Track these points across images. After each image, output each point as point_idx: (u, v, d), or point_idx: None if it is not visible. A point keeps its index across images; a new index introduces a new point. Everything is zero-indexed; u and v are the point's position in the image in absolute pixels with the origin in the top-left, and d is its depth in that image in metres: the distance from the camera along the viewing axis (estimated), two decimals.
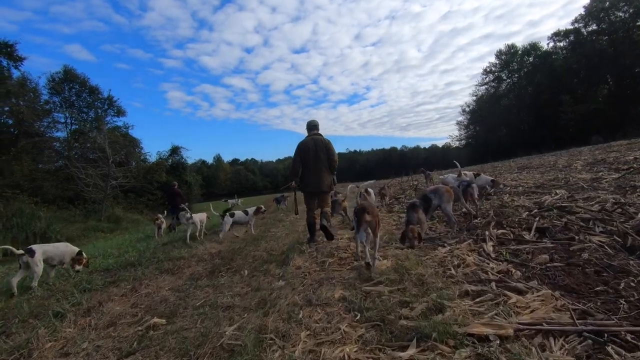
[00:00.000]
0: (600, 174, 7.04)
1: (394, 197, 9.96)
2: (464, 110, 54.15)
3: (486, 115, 47.35)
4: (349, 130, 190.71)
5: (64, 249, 4.94)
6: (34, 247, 4.53)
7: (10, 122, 20.20)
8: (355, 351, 1.89)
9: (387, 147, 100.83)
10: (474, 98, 52.14)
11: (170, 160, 27.99)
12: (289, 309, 2.59)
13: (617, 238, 3.00)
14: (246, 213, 7.12)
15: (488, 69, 48.61)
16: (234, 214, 7.00)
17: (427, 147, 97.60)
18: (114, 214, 17.73)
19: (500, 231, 3.93)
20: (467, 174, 6.65)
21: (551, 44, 41.26)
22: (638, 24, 32.31)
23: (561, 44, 40.17)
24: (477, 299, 2.28)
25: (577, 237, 3.19)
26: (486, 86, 49.93)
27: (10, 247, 4.48)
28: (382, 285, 2.81)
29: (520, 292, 2.29)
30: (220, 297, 3.18)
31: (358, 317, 2.29)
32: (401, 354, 1.78)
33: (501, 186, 6.99)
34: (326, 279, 3.24)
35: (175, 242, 7.49)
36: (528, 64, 44.59)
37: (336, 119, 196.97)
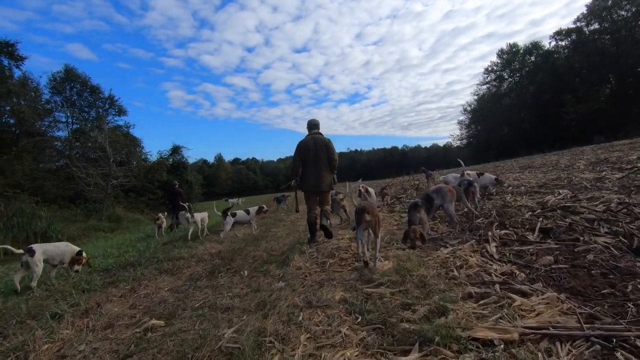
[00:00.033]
0: (604, 173, 6.97)
1: (395, 197, 9.91)
2: (465, 110, 54.00)
3: (488, 115, 47.18)
4: (350, 129, 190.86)
5: (65, 248, 4.91)
6: (34, 246, 4.51)
7: (12, 121, 20.23)
8: (356, 355, 1.85)
9: (389, 146, 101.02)
10: (476, 97, 51.99)
11: (171, 160, 28.00)
12: (289, 311, 2.55)
13: (622, 239, 2.95)
14: (248, 212, 7.08)
15: (490, 68, 48.46)
16: (235, 213, 6.96)
17: (428, 146, 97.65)
18: (115, 213, 17.72)
19: (503, 232, 3.88)
20: (470, 173, 6.59)
21: (553, 43, 41.09)
22: None
23: (563, 43, 39.98)
24: (481, 302, 2.23)
25: (581, 238, 3.14)
26: (488, 85, 49.77)
27: (9, 247, 4.45)
28: (384, 286, 2.76)
29: (524, 294, 2.25)
30: (220, 299, 3.15)
31: (359, 320, 2.25)
32: (403, 358, 1.74)
33: (505, 185, 6.93)
34: (327, 280, 3.20)
35: (175, 241, 7.46)
36: (530, 63, 44.40)
37: (337, 118, 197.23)
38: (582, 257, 2.74)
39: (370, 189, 7.40)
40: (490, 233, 3.82)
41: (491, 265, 2.94)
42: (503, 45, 50.90)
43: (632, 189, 4.83)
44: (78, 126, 25.14)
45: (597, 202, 4.32)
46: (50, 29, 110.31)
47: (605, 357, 1.54)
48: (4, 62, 19.14)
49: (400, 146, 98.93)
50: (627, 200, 4.12)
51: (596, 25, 35.96)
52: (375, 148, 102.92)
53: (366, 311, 2.34)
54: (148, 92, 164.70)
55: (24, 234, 11.78)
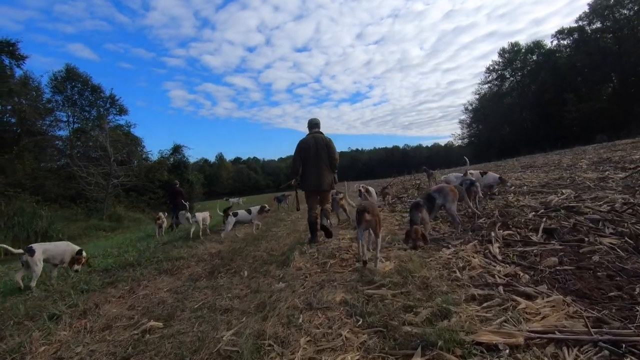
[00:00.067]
0: (607, 173, 6.91)
1: (397, 197, 9.86)
2: (466, 109, 53.81)
3: (489, 114, 47.01)
4: (351, 128, 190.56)
5: (65, 247, 4.88)
6: (34, 246, 4.48)
7: (13, 120, 20.23)
8: (357, 359, 1.81)
9: (390, 145, 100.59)
10: (477, 96, 51.78)
11: (172, 159, 27.95)
12: (289, 313, 2.51)
13: (628, 240, 2.90)
14: (249, 212, 7.05)
15: (491, 67, 48.24)
16: (237, 213, 6.93)
17: (429, 145, 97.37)
18: (116, 212, 17.71)
19: (506, 232, 3.83)
20: (473, 172, 6.54)
21: (555, 42, 40.89)
22: None
23: (565, 42, 39.79)
24: (484, 304, 2.19)
25: (586, 239, 3.09)
26: (489, 84, 49.57)
27: (7, 247, 4.42)
28: (385, 288, 2.72)
29: (529, 296, 2.20)
30: (219, 300, 3.11)
31: (360, 323, 2.21)
32: None
33: (508, 185, 6.88)
34: (327, 281, 3.16)
35: (175, 241, 7.43)
36: (532, 62, 44.20)
37: (338, 118, 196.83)
38: (588, 259, 2.69)
39: (370, 189, 7.33)
40: (493, 233, 3.77)
41: (494, 266, 2.89)
42: (504, 44, 50.72)
43: (637, 188, 4.78)
44: (79, 125, 25.14)
45: (601, 202, 4.27)
46: (52, 29, 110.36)
47: None
48: (5, 62, 19.15)
49: (401, 145, 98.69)
50: (631, 200, 4.07)
51: (598, 24, 35.77)
52: (377, 147, 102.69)
53: (367, 313, 2.29)
54: (149, 91, 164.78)
55: (25, 233, 11.77)
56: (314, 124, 5.30)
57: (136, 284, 4.12)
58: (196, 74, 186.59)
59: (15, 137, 19.27)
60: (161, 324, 2.73)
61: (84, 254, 4.99)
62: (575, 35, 37.63)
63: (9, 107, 19.38)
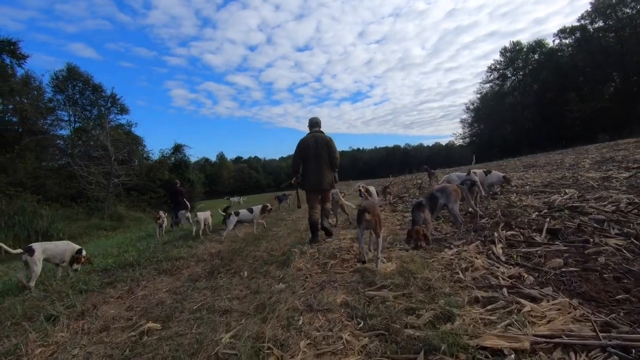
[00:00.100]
0: (610, 172, 6.85)
1: (398, 196, 9.82)
2: (468, 108, 53.67)
3: (491, 113, 46.87)
4: (352, 128, 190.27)
5: (65, 247, 4.85)
6: (34, 245, 4.45)
7: (14, 119, 20.26)
8: None
9: (391, 145, 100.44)
10: (479, 96, 51.63)
11: (173, 158, 27.96)
12: (289, 315, 2.47)
13: (635, 241, 2.85)
14: (251, 211, 7.02)
15: (493, 67, 48.10)
16: (239, 212, 6.90)
17: (430, 145, 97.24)
18: (117, 212, 17.73)
19: (509, 232, 3.78)
20: (477, 171, 6.49)
21: (557, 41, 40.73)
22: None
23: (567, 41, 39.63)
24: (488, 307, 2.14)
25: (591, 240, 3.04)
26: (491, 84, 49.41)
27: (4, 246, 4.39)
28: (387, 289, 2.67)
29: (534, 299, 2.15)
30: (218, 301, 3.07)
31: (361, 325, 2.16)
32: None
33: (512, 184, 6.83)
34: (328, 282, 3.11)
35: (175, 241, 7.40)
36: (533, 61, 44.03)
37: (339, 117, 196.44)
38: (593, 260, 2.63)
39: (371, 189, 7.28)
40: (496, 234, 3.72)
41: (498, 267, 2.84)
42: (506, 43, 50.44)
43: None
44: (80, 125, 25.18)
45: (605, 202, 4.21)
46: (53, 28, 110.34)
47: None
48: (6, 61, 19.17)
49: (402, 145, 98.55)
50: (636, 200, 4.02)
51: (600, 23, 35.63)
52: (378, 147, 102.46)
53: (368, 316, 2.25)
54: (151, 90, 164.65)
55: (26, 232, 11.78)
56: (314, 123, 5.27)
57: (135, 284, 4.08)
58: (197, 73, 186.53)
59: (16, 136, 19.29)
60: (159, 325, 2.68)
61: (84, 252, 4.97)
62: (578, 34, 37.47)
63: (11, 106, 19.40)
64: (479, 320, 1.97)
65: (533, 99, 41.31)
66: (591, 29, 36.33)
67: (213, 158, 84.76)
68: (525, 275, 2.55)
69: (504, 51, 46.59)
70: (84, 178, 17.10)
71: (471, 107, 52.93)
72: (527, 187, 6.81)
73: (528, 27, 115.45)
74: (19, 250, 4.46)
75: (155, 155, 27.49)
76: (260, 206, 7.14)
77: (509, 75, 47.32)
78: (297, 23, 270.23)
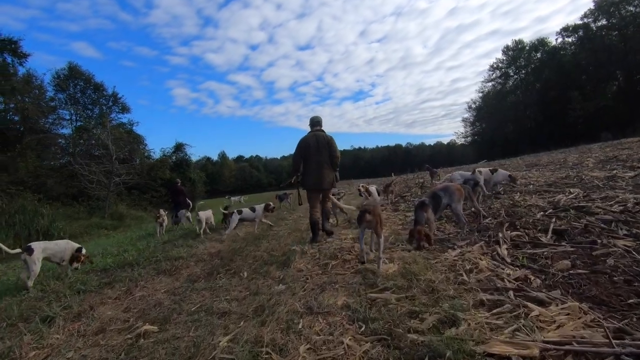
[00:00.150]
0: (615, 171, 6.75)
1: (400, 195, 9.74)
2: (470, 107, 53.47)
3: (493, 112, 46.66)
4: (354, 127, 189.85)
5: (65, 246, 4.82)
6: (33, 244, 4.41)
7: (16, 118, 20.28)
8: None
9: (392, 144, 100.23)
10: (480, 95, 51.41)
11: (174, 157, 27.95)
12: (288, 318, 2.40)
13: None
14: (253, 210, 6.96)
15: (495, 65, 47.84)
16: (241, 211, 6.85)
17: (432, 144, 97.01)
18: (118, 211, 17.72)
19: (514, 233, 3.70)
20: (482, 170, 6.42)
21: (559, 40, 40.44)
22: None
23: (570, 40, 39.33)
24: (494, 311, 2.07)
25: (599, 241, 2.96)
26: (493, 82, 49.18)
27: (3, 246, 4.34)
28: (389, 291, 2.61)
29: (542, 303, 2.07)
30: (217, 302, 3.00)
31: (363, 329, 2.10)
32: None
33: (518, 183, 6.75)
34: (329, 284, 3.05)
35: (175, 240, 7.35)
36: (536, 60, 43.77)
37: (341, 116, 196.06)
38: (602, 262, 2.55)
39: (371, 188, 7.19)
40: (500, 234, 3.64)
41: (503, 269, 2.77)
42: (508, 42, 50.18)
43: None
44: (81, 123, 25.19)
45: (612, 202, 4.13)
46: (55, 27, 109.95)
47: None
48: (7, 60, 19.18)
49: (404, 144, 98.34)
50: None
51: (604, 21, 35.35)
52: (379, 146, 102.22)
53: (370, 319, 2.18)
54: (152, 90, 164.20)
55: (26, 231, 11.77)
56: (315, 122, 5.21)
57: (133, 284, 4.02)
58: (199, 72, 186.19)
59: (18, 135, 19.31)
60: (156, 327, 2.63)
61: (84, 251, 4.92)
62: (580, 33, 37.20)
63: (12, 105, 19.43)
64: (484, 325, 1.90)
65: (535, 98, 41.08)
66: (594, 27, 36.06)
67: (215, 157, 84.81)
68: (532, 278, 2.48)
69: (506, 50, 46.36)
70: (85, 177, 17.09)
71: (473, 106, 52.78)
72: (531, 186, 6.71)
73: (530, 25, 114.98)
74: (18, 250, 4.43)
75: (156, 154, 27.53)
76: (263, 205, 7.09)
77: (511, 73, 47.08)
78: (298, 22, 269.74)
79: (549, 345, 1.59)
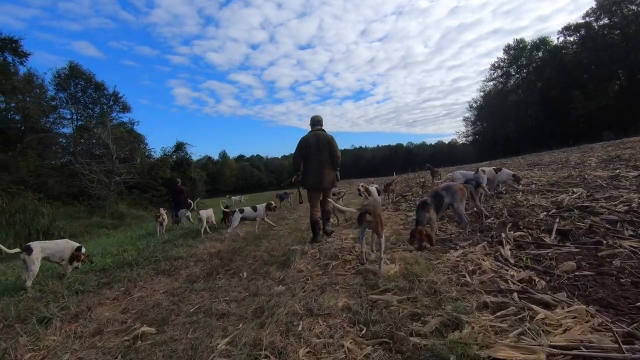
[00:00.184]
0: (618, 171, 6.69)
1: (401, 195, 9.69)
2: (471, 107, 53.43)
3: (494, 111, 46.57)
4: (355, 126, 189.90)
5: (65, 245, 4.78)
6: (33, 244, 4.37)
7: (17, 118, 20.29)
8: None
9: (393, 143, 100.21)
10: (482, 94, 51.35)
11: (174, 157, 27.91)
12: (288, 320, 2.36)
13: None
14: (255, 209, 6.94)
15: (496, 64, 47.77)
16: (243, 210, 6.82)
17: (433, 143, 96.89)
18: (118, 210, 17.69)
19: (517, 233, 3.64)
20: (486, 169, 6.37)
21: (561, 39, 40.36)
22: None
23: (571, 39, 39.25)
24: (498, 313, 2.02)
25: (604, 241, 2.90)
26: (494, 82, 49.08)
27: (1, 246, 4.31)
28: (390, 293, 2.56)
29: (547, 305, 2.02)
30: (216, 303, 2.96)
31: (364, 332, 2.05)
32: None
33: (522, 182, 6.70)
34: (329, 285, 3.00)
35: (175, 240, 7.31)
36: (537, 59, 43.65)
37: (342, 115, 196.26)
38: (608, 263, 2.50)
39: (371, 188, 7.13)
40: (503, 234, 3.59)
41: (507, 270, 2.72)
42: (509, 41, 49.92)
43: None
44: (82, 123, 25.17)
45: (616, 202, 4.07)
46: (57, 27, 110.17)
47: None
48: (8, 59, 19.16)
49: (405, 143, 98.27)
50: None
51: (605, 20, 35.25)
52: (380, 145, 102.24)
53: (371, 322, 2.13)
54: (154, 89, 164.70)
55: (27, 230, 11.73)
56: (316, 121, 5.19)
57: (132, 285, 3.98)
58: (200, 72, 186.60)
59: (19, 135, 19.30)
60: (154, 329, 2.58)
61: (84, 250, 4.89)
62: (582, 32, 37.08)
63: (13, 105, 19.42)
64: (489, 328, 1.85)
65: (537, 97, 40.97)
66: (596, 26, 35.94)
67: (215, 156, 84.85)
68: (537, 279, 2.43)
69: (507, 49, 46.26)
70: (85, 176, 17.07)
71: (474, 105, 52.72)
72: (533, 185, 6.65)
73: (532, 24, 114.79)
74: (17, 250, 4.39)
75: (157, 154, 27.49)
76: (264, 204, 7.06)
77: (513, 73, 46.97)
78: (299, 21, 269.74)
79: (555, 350, 1.54)
